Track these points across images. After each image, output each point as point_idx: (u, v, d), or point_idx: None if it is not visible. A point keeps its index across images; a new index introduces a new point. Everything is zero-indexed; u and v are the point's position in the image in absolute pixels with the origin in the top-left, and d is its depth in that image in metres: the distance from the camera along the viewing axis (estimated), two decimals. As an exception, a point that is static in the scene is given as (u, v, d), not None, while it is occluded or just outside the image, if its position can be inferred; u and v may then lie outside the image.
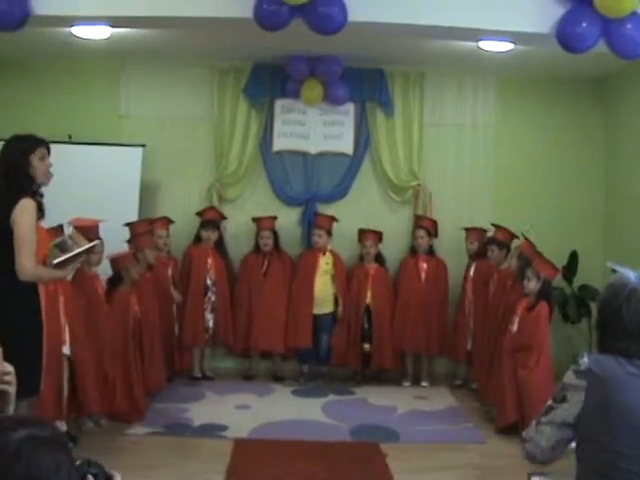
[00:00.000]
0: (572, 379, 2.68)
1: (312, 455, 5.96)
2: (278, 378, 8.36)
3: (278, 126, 8.72)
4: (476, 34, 6.11)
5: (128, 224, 7.55)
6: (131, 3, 5.65)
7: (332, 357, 8.31)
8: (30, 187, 4.68)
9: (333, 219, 8.39)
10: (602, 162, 8.94)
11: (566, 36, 5.43)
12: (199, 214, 8.31)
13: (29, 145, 4.76)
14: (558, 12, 5.53)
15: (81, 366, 5.83)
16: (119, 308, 6.64)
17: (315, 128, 8.71)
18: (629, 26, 5.36)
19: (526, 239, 7.32)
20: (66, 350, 5.50)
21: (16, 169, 4.64)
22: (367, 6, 5.47)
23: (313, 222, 8.46)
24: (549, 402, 2.75)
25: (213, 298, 8.17)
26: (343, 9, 5.28)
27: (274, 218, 8.42)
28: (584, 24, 5.37)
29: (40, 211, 4.74)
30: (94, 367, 6.02)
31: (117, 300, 6.67)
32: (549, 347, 6.60)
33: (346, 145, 8.74)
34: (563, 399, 2.69)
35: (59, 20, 6.00)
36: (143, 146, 8.31)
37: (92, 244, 5.26)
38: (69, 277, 5.76)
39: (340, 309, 8.23)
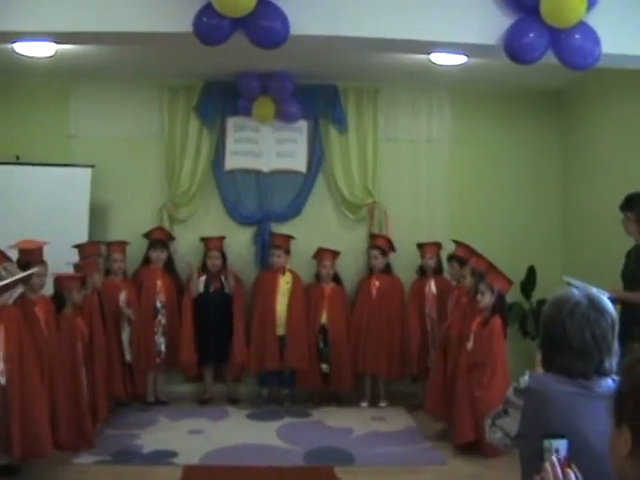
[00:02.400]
0: (512, 396, 2.64)
1: (263, 480, 5.81)
2: (233, 401, 8.19)
3: (230, 144, 8.61)
4: (426, 46, 6.02)
5: (77, 246, 7.40)
6: (70, 18, 5.50)
7: (295, 378, 8.16)
8: None
9: (290, 238, 8.28)
10: (559, 176, 8.92)
11: (514, 47, 5.36)
12: (146, 235, 8.15)
13: None
14: (506, 23, 5.46)
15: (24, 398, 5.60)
16: (66, 331, 6.42)
17: (268, 146, 8.61)
18: (577, 36, 5.30)
19: (477, 254, 7.27)
20: (2, 380, 5.27)
21: None
22: (310, 19, 5.36)
23: (269, 242, 8.37)
24: (500, 407, 2.72)
25: (163, 321, 7.99)
26: (285, 22, 5.16)
27: (222, 238, 8.28)
28: (531, 35, 5.30)
29: None
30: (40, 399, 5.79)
31: (63, 323, 6.46)
32: (504, 362, 6.52)
33: (299, 163, 8.64)
34: (506, 412, 2.67)
35: (-1, 36, 5.84)
36: (92, 167, 8.14)
37: (27, 273, 5.13)
38: (10, 301, 5.58)
39: (289, 329, 8.07)
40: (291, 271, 8.26)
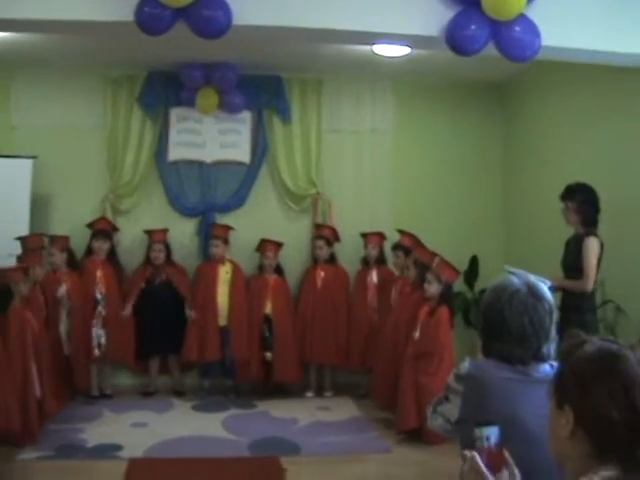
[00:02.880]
0: (452, 382, 2.67)
1: (208, 472, 5.80)
2: (178, 393, 8.15)
3: (173, 135, 8.55)
4: (369, 37, 6.01)
5: (20, 238, 7.28)
6: (9, 5, 5.39)
7: (236, 369, 8.13)
8: None
9: (229, 228, 8.26)
10: (501, 166, 9.04)
11: (455, 39, 5.38)
12: (90, 225, 8.05)
13: None
14: (448, 15, 5.48)
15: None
16: (16, 324, 6.33)
17: (211, 137, 8.57)
18: (517, 29, 5.34)
19: (421, 244, 7.36)
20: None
21: None
22: (253, 9, 5.32)
23: (209, 232, 8.30)
24: (441, 394, 2.73)
25: (104, 312, 7.88)
26: (227, 12, 5.12)
27: (166, 230, 8.23)
28: (473, 27, 5.32)
29: None
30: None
31: (12, 317, 6.37)
32: (451, 351, 6.61)
33: (243, 154, 8.62)
34: (447, 399, 2.69)
35: None
36: (34, 157, 8.00)
37: None
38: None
39: (231, 319, 8.07)
40: (231, 261, 8.24)
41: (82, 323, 7.74)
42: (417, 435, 6.44)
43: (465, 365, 2.64)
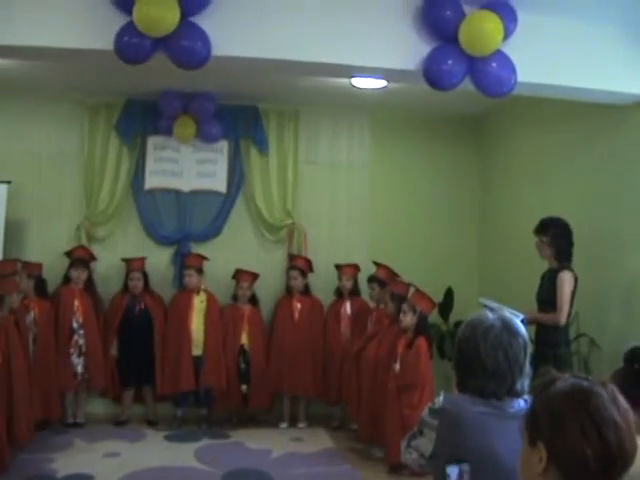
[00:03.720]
0: (427, 416, 2.66)
1: (180, 503, 5.75)
2: (151, 423, 8.09)
3: (150, 164, 8.54)
4: (347, 70, 6.06)
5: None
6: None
7: (211, 399, 8.08)
8: None
9: (202, 258, 8.24)
10: (476, 199, 9.10)
11: (432, 73, 5.44)
12: (68, 254, 8.00)
13: None
14: (425, 49, 5.54)
15: None
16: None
17: (188, 166, 8.57)
18: (494, 64, 5.40)
19: (397, 276, 7.39)
20: None
21: None
22: (232, 41, 5.35)
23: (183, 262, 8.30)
24: (415, 428, 2.74)
25: (81, 341, 7.82)
26: (206, 43, 5.15)
27: (144, 259, 8.20)
28: (450, 62, 5.38)
29: None
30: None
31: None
32: (432, 382, 6.61)
33: (219, 183, 8.62)
34: (421, 433, 2.68)
35: None
36: (9, 182, 7.95)
37: None
38: None
39: (206, 348, 8.02)
40: (206, 291, 8.21)
41: (54, 351, 7.64)
42: (398, 468, 6.40)
43: (440, 399, 2.64)
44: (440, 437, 2.57)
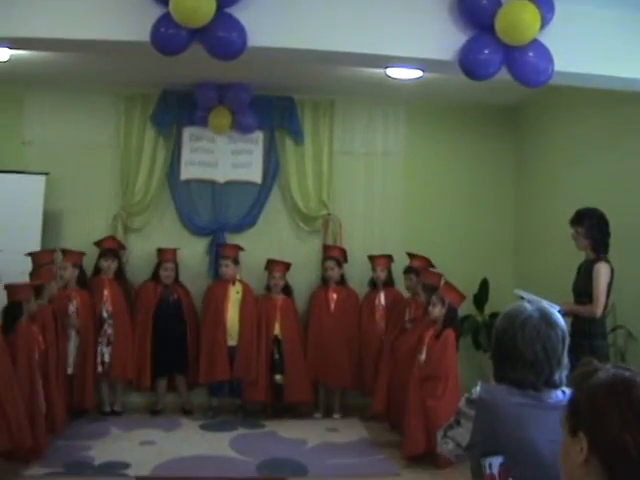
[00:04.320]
0: (464, 406, 2.65)
1: (215, 492, 5.79)
2: (186, 412, 8.15)
3: (186, 154, 8.58)
4: (382, 60, 6.05)
5: (30, 254, 7.29)
6: (26, 24, 5.44)
7: (244, 389, 8.11)
8: None
9: (238, 248, 8.27)
10: (511, 189, 9.02)
11: (468, 63, 5.40)
12: (97, 244, 8.08)
13: None
14: (461, 39, 5.51)
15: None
16: (23, 340, 6.33)
17: (223, 157, 8.60)
18: (530, 54, 5.35)
19: (432, 266, 7.36)
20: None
21: None
22: (268, 31, 5.35)
23: (219, 252, 8.32)
24: (452, 418, 2.72)
25: (109, 331, 7.90)
26: (242, 34, 5.16)
27: (176, 250, 8.26)
28: (486, 51, 5.34)
29: None
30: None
31: (20, 333, 6.37)
32: (456, 374, 6.59)
33: (255, 174, 8.64)
34: (458, 423, 2.67)
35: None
36: (47, 174, 8.04)
37: None
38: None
39: (241, 339, 8.06)
40: (241, 281, 8.25)
41: (91, 341, 7.76)
42: (425, 458, 6.42)
43: (477, 389, 2.62)
44: (477, 427, 2.56)
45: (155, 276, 8.19)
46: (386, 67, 6.79)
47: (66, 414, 7.21)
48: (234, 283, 8.18)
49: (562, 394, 2.53)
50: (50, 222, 8.15)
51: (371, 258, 8.29)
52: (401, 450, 6.77)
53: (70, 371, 7.55)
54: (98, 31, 5.41)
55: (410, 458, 6.54)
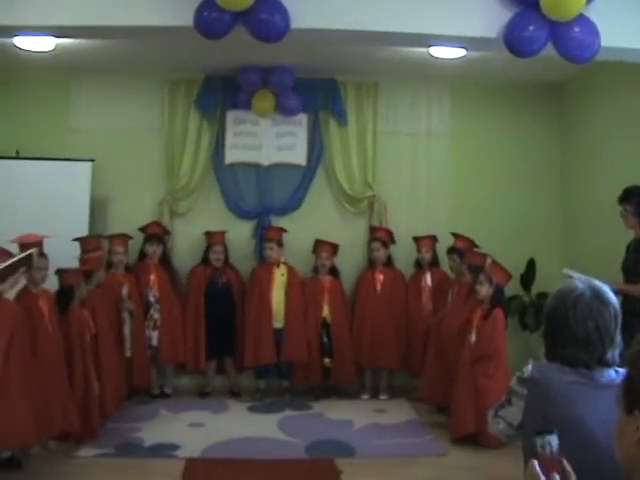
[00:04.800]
0: (515, 385, 2.66)
1: (265, 473, 5.84)
2: (234, 394, 8.22)
3: (230, 138, 8.61)
4: (425, 40, 6.01)
5: (78, 239, 7.38)
6: (70, 12, 5.50)
7: (293, 371, 8.16)
8: None
9: (282, 230, 8.29)
10: (557, 167, 8.91)
11: (513, 40, 5.35)
12: (142, 229, 8.15)
13: None
14: (506, 16, 5.45)
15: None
16: (75, 324, 6.45)
17: (267, 139, 8.61)
18: (576, 29, 5.29)
19: (476, 247, 7.33)
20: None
21: None
22: (310, 13, 5.36)
23: (263, 235, 8.37)
24: (503, 397, 2.73)
25: (156, 315, 7.98)
26: (285, 16, 5.17)
27: (224, 232, 8.29)
28: (531, 28, 5.29)
29: None
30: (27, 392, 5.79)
31: (72, 317, 6.49)
32: (506, 353, 6.56)
33: (299, 156, 8.64)
34: (509, 402, 2.68)
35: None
36: (92, 160, 8.13)
37: (28, 252, 5.15)
38: (11, 296, 5.60)
39: (288, 321, 8.09)
40: (286, 264, 8.27)
41: (141, 325, 7.86)
42: (472, 439, 6.41)
43: (528, 368, 2.62)
44: (529, 406, 2.56)
45: (205, 259, 8.23)
46: (429, 46, 6.75)
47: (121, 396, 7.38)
48: (279, 266, 8.20)
49: (615, 373, 2.51)
50: (97, 208, 8.25)
51: (416, 239, 8.25)
52: (449, 431, 6.77)
53: (128, 354, 7.68)
54: (142, 17, 5.46)
55: (458, 439, 6.53)
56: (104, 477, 5.71)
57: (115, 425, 6.94)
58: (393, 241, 8.33)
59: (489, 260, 7.01)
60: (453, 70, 8.00)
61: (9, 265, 4.92)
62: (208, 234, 8.26)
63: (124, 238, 7.94)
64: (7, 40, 6.63)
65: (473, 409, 6.36)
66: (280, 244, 8.21)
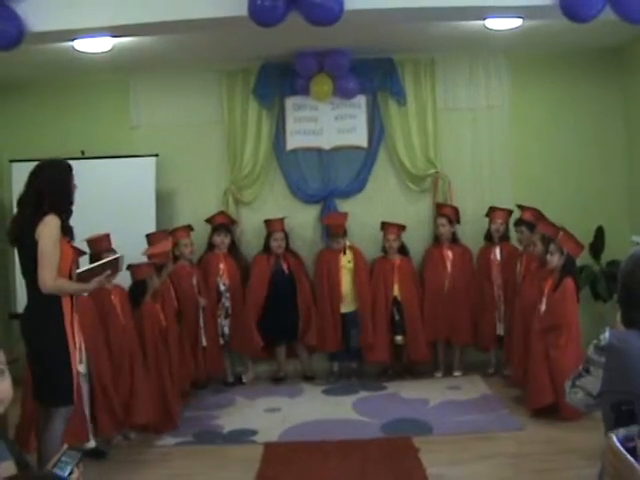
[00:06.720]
0: (593, 354, 2.62)
1: (343, 454, 5.88)
2: (308, 378, 8.29)
3: (290, 124, 8.63)
4: (480, 12, 5.98)
5: (148, 235, 7.51)
6: (124, 12, 5.60)
7: (363, 353, 8.19)
8: (69, 207, 4.94)
9: (344, 219, 8.29)
10: (623, 134, 8.73)
11: (571, 6, 5.28)
12: (209, 220, 8.25)
13: (69, 168, 5.01)
14: (561, -17, 5.38)
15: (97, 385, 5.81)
16: (148, 317, 6.63)
17: (328, 123, 8.62)
18: (634, -9, 5.20)
19: (544, 218, 7.25)
20: (82, 369, 5.32)
21: (59, 191, 4.85)
22: (363, -7, 5.37)
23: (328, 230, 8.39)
24: (580, 367, 2.70)
25: (227, 304, 8.09)
26: (339, -2, 5.19)
27: (283, 219, 8.33)
28: (588, -9, 5.21)
29: (69, 231, 4.95)
30: (108, 385, 5.96)
31: (145, 310, 6.66)
32: (578, 324, 6.52)
33: (360, 138, 8.63)
34: (587, 371, 2.65)
35: (58, 35, 5.96)
36: (156, 156, 8.29)
37: (116, 256, 5.35)
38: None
39: (360, 305, 8.12)
40: (352, 247, 8.28)
41: (207, 314, 7.97)
42: (549, 411, 6.37)
43: (606, 336, 2.58)
44: (607, 374, 2.53)
45: (266, 247, 8.29)
46: (484, 18, 6.69)
47: (193, 386, 7.57)
48: (345, 253, 8.23)
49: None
50: (163, 202, 8.42)
51: (491, 210, 8.16)
52: (526, 404, 6.74)
53: (205, 343, 7.84)
54: (196, 11, 5.53)
55: (536, 411, 6.50)
56: (186, 464, 5.82)
57: (193, 414, 7.09)
58: (458, 221, 8.28)
59: (561, 232, 6.91)
60: (509, 41, 7.90)
61: (96, 266, 5.10)
62: (267, 222, 8.31)
63: (187, 229, 8.05)
64: (67, 44, 6.76)
65: (548, 380, 6.31)
66: (345, 233, 8.23)
